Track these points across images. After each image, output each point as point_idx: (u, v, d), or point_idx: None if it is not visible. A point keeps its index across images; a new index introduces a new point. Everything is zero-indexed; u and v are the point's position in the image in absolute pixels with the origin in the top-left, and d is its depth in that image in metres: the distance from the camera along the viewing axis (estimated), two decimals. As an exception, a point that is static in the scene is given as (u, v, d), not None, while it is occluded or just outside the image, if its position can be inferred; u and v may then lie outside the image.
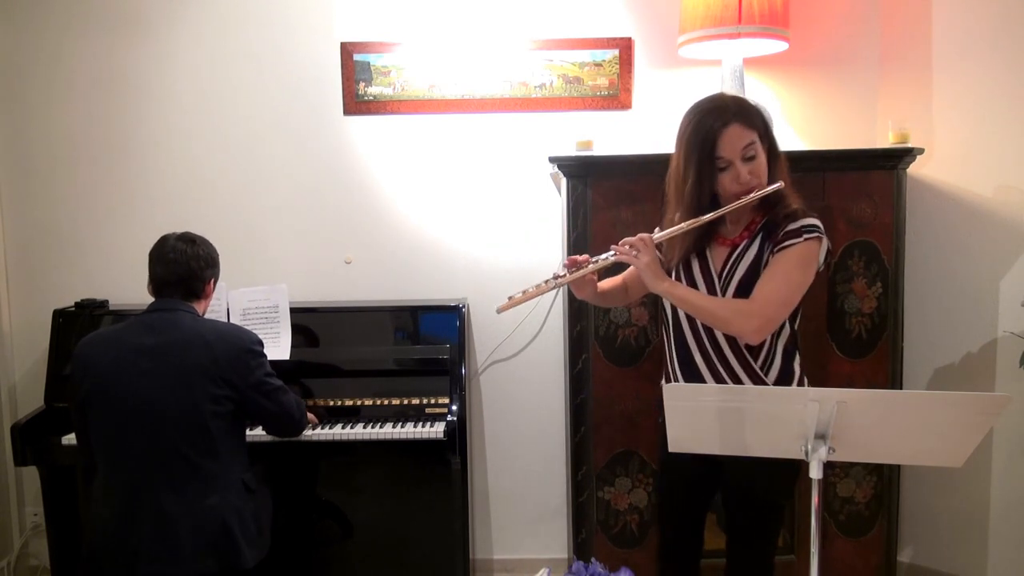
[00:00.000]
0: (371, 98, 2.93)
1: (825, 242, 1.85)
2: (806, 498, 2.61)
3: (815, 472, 1.55)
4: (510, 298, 1.87)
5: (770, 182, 1.82)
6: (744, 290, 1.83)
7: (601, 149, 2.70)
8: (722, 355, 1.87)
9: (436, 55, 2.91)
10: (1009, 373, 2.64)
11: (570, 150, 2.70)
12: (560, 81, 2.91)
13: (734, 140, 1.78)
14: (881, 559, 2.71)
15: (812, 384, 2.46)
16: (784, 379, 1.89)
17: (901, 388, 2.68)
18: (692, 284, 1.89)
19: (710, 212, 1.81)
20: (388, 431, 2.52)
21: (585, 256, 1.90)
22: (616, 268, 1.98)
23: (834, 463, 2.41)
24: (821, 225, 1.83)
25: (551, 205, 2.97)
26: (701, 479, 2.03)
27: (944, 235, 2.79)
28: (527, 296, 1.88)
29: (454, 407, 2.60)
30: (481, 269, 2.99)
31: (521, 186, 2.97)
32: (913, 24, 2.82)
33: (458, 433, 2.52)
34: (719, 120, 1.78)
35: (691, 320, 1.90)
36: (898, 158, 2.57)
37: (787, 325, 1.88)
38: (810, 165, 2.57)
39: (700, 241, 1.87)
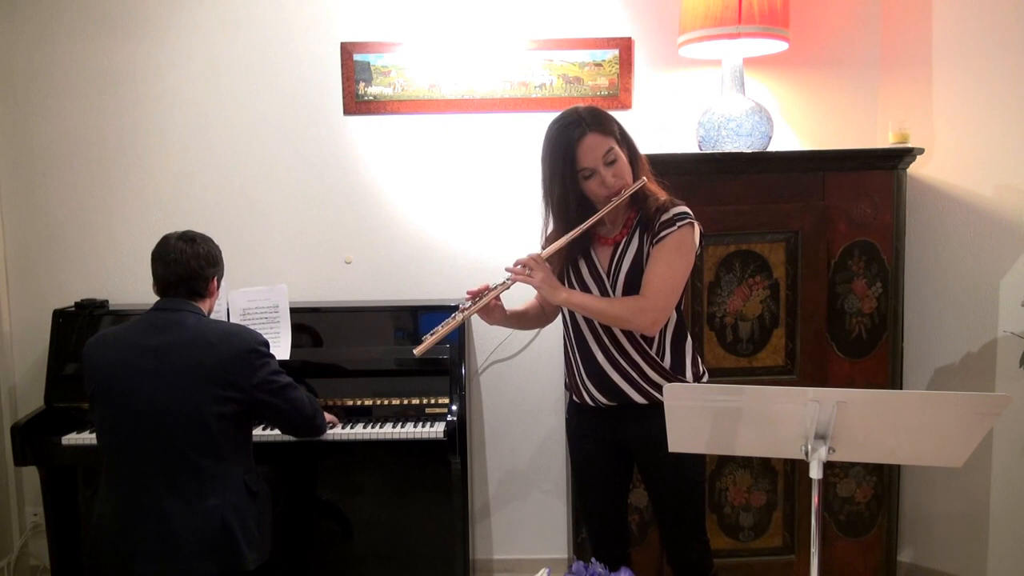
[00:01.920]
0: (371, 98, 2.93)
1: (697, 227, 1.93)
2: (806, 498, 2.62)
3: (815, 472, 1.54)
4: (422, 340, 1.95)
5: (634, 180, 1.92)
6: (631, 283, 1.92)
7: (601, 149, 2.69)
8: (621, 348, 1.95)
9: (436, 55, 2.91)
10: (1009, 373, 2.64)
11: (570, 150, 2.70)
12: (560, 81, 2.91)
13: (593, 149, 1.86)
14: (881, 559, 2.71)
15: (810, 384, 2.47)
16: (677, 359, 1.97)
17: (901, 388, 2.68)
18: (583, 285, 1.97)
19: (580, 218, 1.89)
20: (388, 431, 2.52)
21: (484, 285, 1.97)
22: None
23: (834, 463, 2.42)
24: (691, 211, 1.92)
25: (551, 205, 2.97)
26: (614, 474, 2.09)
27: (944, 235, 2.79)
28: (438, 335, 1.94)
29: (454, 407, 2.60)
30: (481, 269, 2.98)
31: (521, 186, 2.97)
32: (913, 24, 2.82)
33: (458, 433, 2.52)
34: (575, 132, 1.87)
35: (589, 321, 1.97)
36: (898, 158, 2.57)
37: (672, 311, 1.96)
38: (810, 165, 2.58)
39: (583, 243, 1.96)
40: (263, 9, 2.90)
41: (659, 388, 1.92)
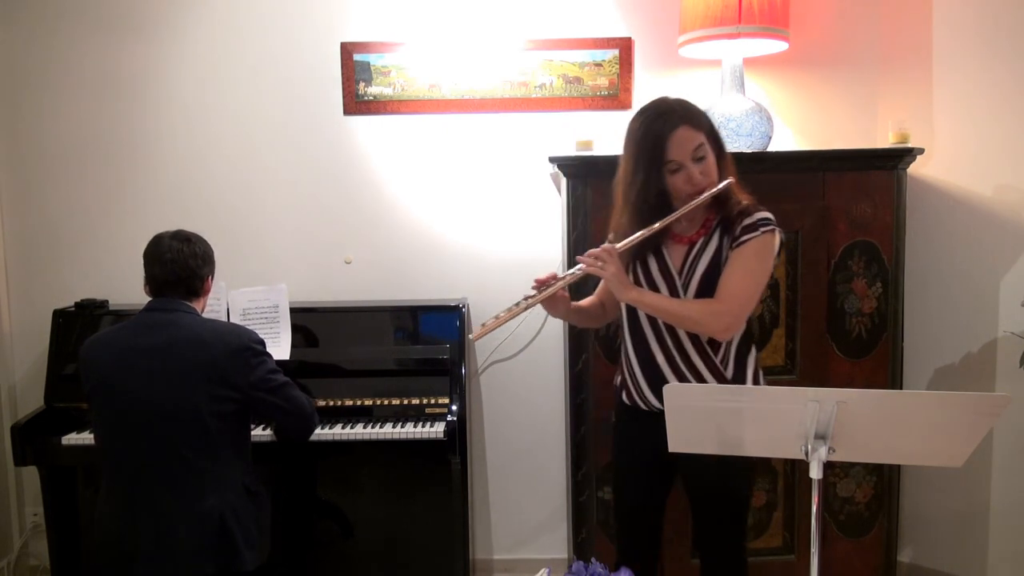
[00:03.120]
0: (371, 98, 2.93)
1: (779, 234, 1.88)
2: (806, 498, 2.62)
3: (815, 472, 1.54)
4: (483, 325, 1.87)
5: (719, 180, 1.85)
6: (706, 286, 1.85)
7: (601, 149, 2.69)
8: (684, 353, 1.89)
9: (436, 55, 2.91)
10: (1009, 373, 2.64)
11: (570, 150, 2.70)
12: (560, 81, 2.91)
13: (683, 142, 1.80)
14: (881, 559, 2.71)
15: (811, 384, 2.47)
16: (740, 371, 1.92)
17: (901, 388, 2.68)
18: (652, 283, 1.91)
19: (657, 213, 1.82)
20: (388, 431, 2.52)
21: (552, 274, 1.90)
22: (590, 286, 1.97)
23: (834, 463, 2.41)
24: (773, 218, 1.87)
25: (551, 205, 2.97)
26: (655, 482, 2.04)
27: (944, 235, 2.79)
28: (500, 321, 1.86)
29: (454, 407, 2.60)
30: (481, 269, 2.99)
31: (521, 186, 2.97)
32: (913, 24, 2.82)
33: (458, 433, 2.52)
34: (667, 124, 1.80)
35: (652, 321, 1.91)
36: (898, 158, 2.57)
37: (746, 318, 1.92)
38: (810, 165, 2.58)
39: (655, 240, 1.89)
40: (263, 9, 2.90)
41: None
